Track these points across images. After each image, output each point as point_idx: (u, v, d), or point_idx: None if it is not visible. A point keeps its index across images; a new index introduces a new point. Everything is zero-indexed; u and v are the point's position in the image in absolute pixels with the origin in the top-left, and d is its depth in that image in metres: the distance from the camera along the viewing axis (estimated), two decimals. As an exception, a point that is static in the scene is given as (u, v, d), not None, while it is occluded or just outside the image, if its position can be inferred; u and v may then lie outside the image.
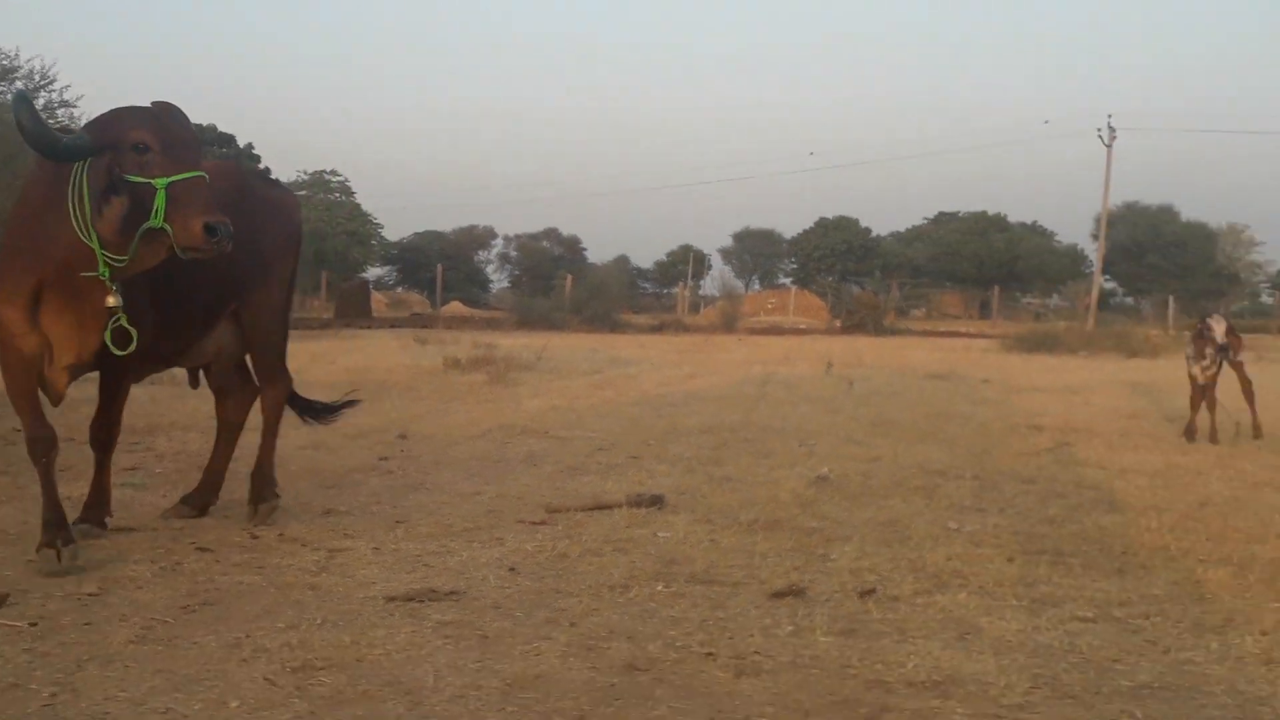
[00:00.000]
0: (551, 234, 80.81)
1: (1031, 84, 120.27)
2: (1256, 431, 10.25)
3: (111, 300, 4.78)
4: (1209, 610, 4.63)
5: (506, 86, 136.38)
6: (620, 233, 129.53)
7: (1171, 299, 48.39)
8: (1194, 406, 10.41)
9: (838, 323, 41.95)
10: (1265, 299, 63.51)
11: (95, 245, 4.65)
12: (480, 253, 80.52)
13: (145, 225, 4.57)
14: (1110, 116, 45.88)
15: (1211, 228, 65.27)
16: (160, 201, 4.55)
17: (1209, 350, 10.28)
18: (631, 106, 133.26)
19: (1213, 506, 6.89)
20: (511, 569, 5.12)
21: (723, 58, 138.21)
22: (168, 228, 4.55)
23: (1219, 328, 10.34)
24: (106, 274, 4.72)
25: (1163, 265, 60.87)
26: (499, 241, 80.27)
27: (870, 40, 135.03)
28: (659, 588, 4.80)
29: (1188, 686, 3.73)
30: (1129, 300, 63.23)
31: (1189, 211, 65.00)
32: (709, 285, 68.13)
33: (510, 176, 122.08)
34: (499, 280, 78.75)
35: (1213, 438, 10.04)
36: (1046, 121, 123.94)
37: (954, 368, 19.39)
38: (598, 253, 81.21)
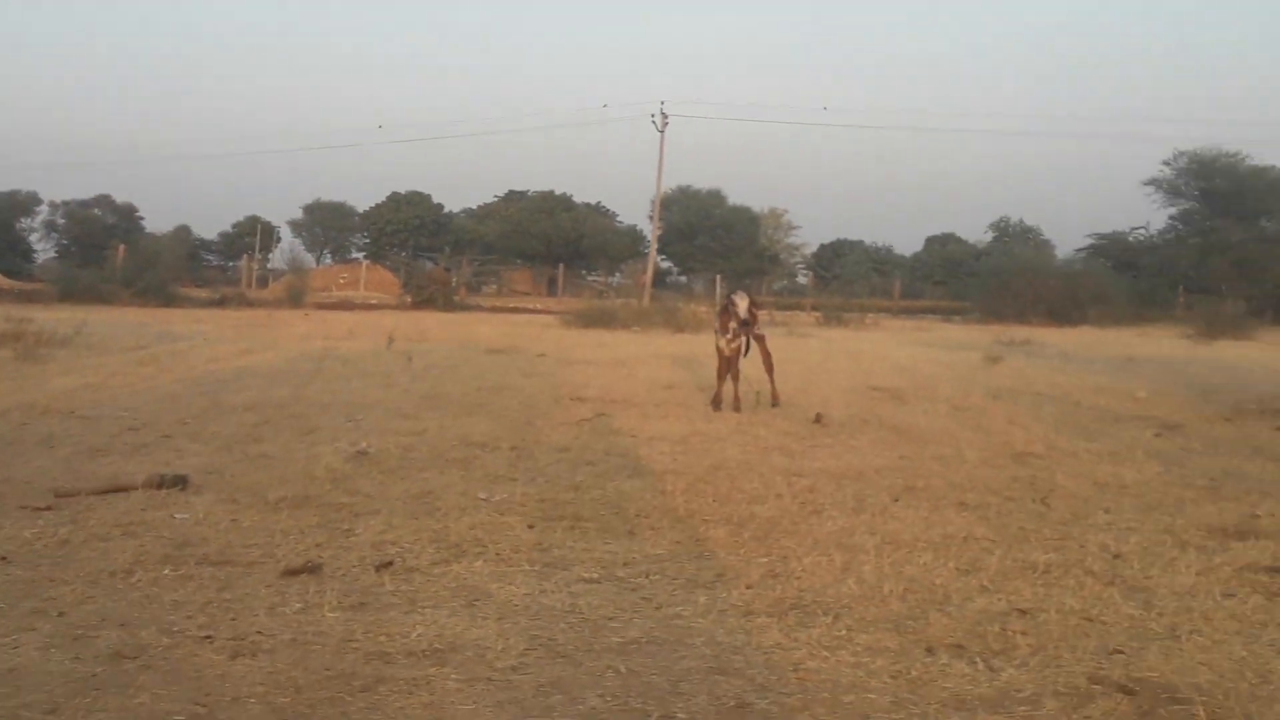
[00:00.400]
0: (104, 201, 75.47)
1: (595, 68, 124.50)
2: (774, 400, 11.17)
3: None
4: (704, 567, 4.99)
5: (53, 36, 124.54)
6: (182, 202, 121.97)
7: (719, 277, 51.97)
8: (720, 377, 11.19)
9: (409, 298, 41.81)
10: (801, 279, 69.56)
11: None
12: (23, 220, 73.93)
13: None
14: (663, 103, 48.41)
15: (755, 211, 70.82)
16: None
17: (733, 325, 11.08)
18: (193, 69, 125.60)
19: (724, 470, 7.42)
20: (2, 558, 4.74)
21: (287, 24, 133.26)
22: None
23: (742, 304, 11.16)
24: None
25: (712, 246, 65.25)
26: (44, 208, 74.06)
27: (440, 19, 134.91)
28: (165, 571, 4.60)
29: (672, 640, 4.00)
30: (682, 279, 67.26)
31: (735, 196, 69.89)
32: (278, 258, 66.15)
33: (57, 138, 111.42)
34: (44, 250, 72.95)
35: (735, 406, 10.83)
36: (605, 105, 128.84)
37: (515, 343, 19.87)
38: (156, 222, 76.65)
